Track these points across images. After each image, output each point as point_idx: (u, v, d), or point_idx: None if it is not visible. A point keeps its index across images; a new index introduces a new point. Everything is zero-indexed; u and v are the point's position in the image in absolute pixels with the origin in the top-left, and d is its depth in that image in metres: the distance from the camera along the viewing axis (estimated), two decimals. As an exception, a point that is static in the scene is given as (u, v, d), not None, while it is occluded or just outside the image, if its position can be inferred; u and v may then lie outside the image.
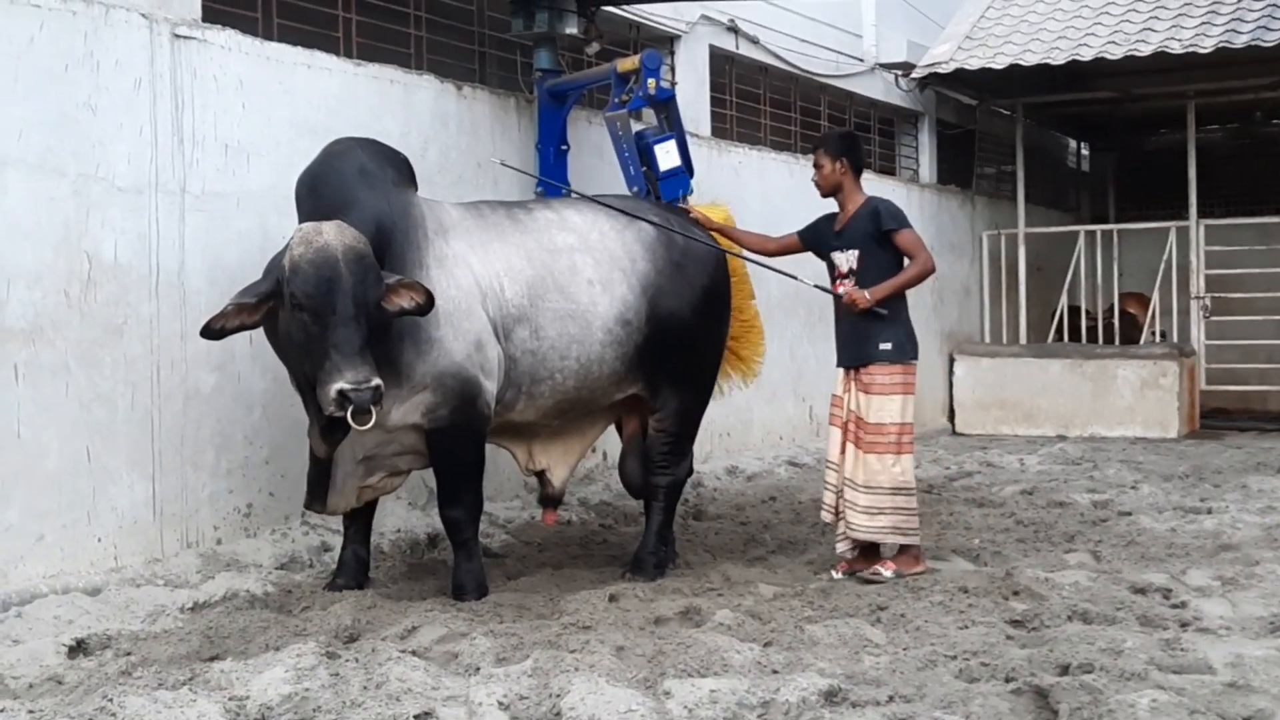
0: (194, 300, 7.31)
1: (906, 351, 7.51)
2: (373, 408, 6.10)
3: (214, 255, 7.48)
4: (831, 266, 7.69)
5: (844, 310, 7.54)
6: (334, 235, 6.19)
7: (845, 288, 7.53)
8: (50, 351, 6.69)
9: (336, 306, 6.10)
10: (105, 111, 6.96)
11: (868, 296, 7.37)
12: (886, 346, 7.43)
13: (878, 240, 7.47)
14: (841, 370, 7.62)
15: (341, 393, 6.04)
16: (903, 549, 7.50)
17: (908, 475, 7.50)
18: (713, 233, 8.02)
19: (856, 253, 7.52)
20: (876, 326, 7.44)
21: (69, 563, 6.76)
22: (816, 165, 7.70)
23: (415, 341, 6.62)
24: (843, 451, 7.55)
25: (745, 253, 8.14)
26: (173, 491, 7.29)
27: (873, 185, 15.00)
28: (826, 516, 7.72)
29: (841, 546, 7.62)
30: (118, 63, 7.04)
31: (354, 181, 6.61)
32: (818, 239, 7.82)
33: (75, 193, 6.80)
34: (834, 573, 7.55)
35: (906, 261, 7.48)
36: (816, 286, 7.85)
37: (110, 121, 6.98)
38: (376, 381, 6.10)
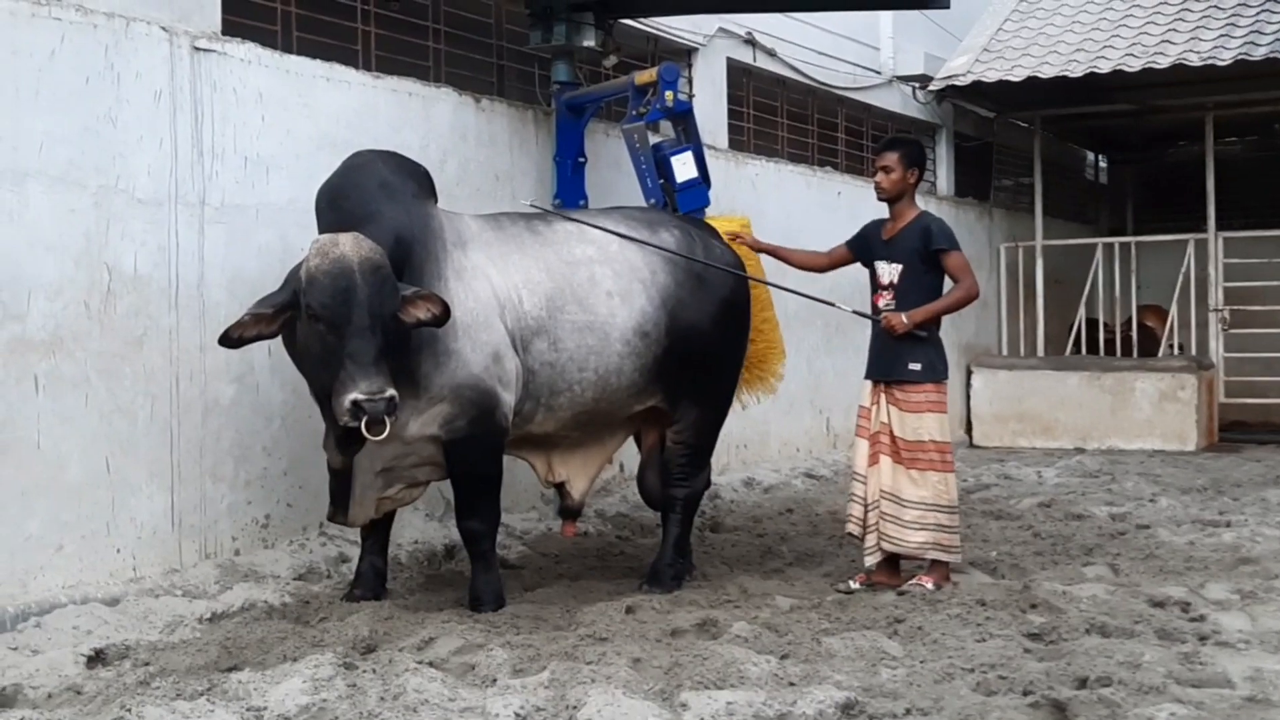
0: (213, 312, 7.32)
1: (937, 371, 7.48)
2: (387, 419, 6.11)
3: (234, 267, 7.50)
4: (873, 275, 7.66)
5: (877, 325, 7.53)
6: (350, 247, 6.21)
7: (884, 300, 7.52)
8: (70, 363, 6.71)
9: (352, 317, 6.11)
10: (126, 124, 6.98)
11: (905, 321, 7.36)
12: (916, 366, 7.41)
13: (923, 258, 7.44)
14: (869, 382, 7.61)
15: (356, 403, 6.05)
16: (936, 563, 7.49)
17: (952, 493, 7.48)
18: (754, 249, 7.99)
19: (900, 268, 7.49)
20: (908, 344, 7.41)
21: (88, 573, 6.77)
22: (884, 168, 7.61)
23: (433, 353, 6.63)
24: (871, 464, 7.53)
25: (782, 276, 8.13)
26: (191, 503, 7.31)
27: (890, 197, 15.13)
28: (853, 529, 7.68)
29: (871, 559, 7.60)
30: (138, 75, 7.06)
31: (374, 194, 6.63)
32: (865, 246, 7.77)
33: (96, 205, 6.82)
34: (852, 583, 7.54)
35: (948, 284, 7.46)
36: (855, 313, 7.82)
37: (131, 134, 7.01)
38: (391, 392, 6.11)
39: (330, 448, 6.76)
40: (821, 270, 8.11)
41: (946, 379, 7.54)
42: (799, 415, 13.14)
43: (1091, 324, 16.60)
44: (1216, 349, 15.95)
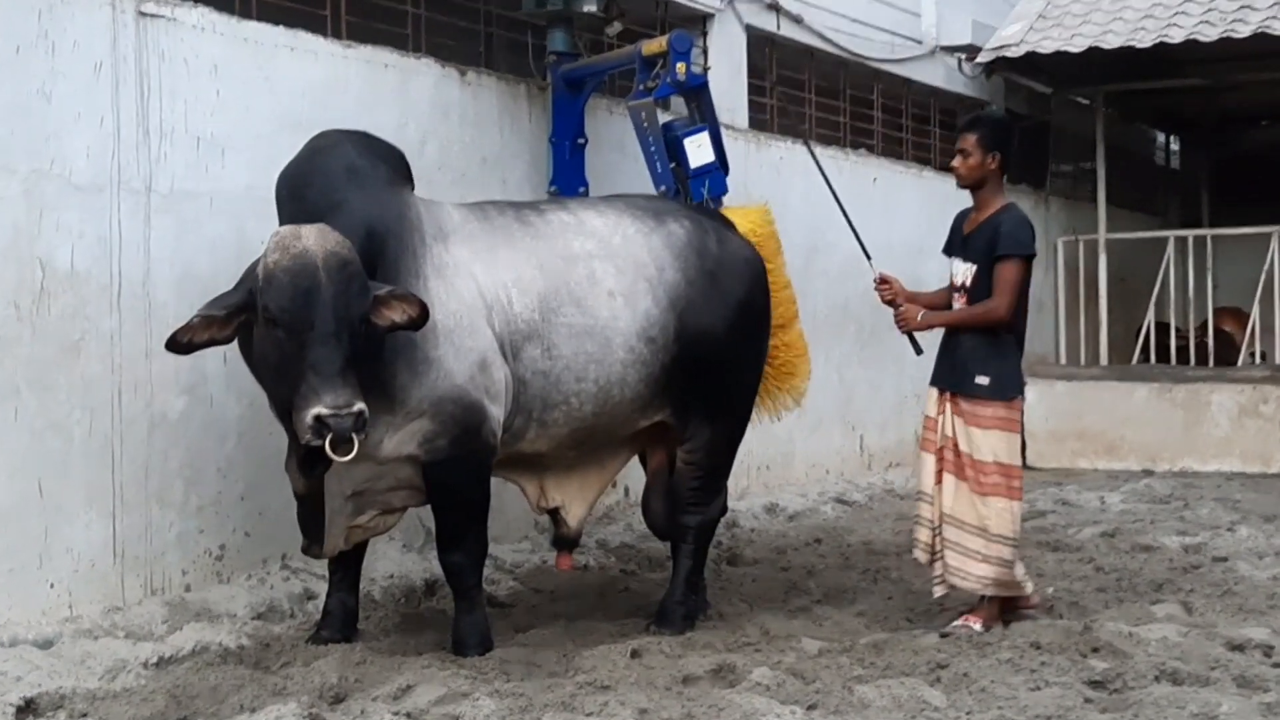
0: (160, 314, 7.31)
1: (1007, 389, 7.45)
2: (355, 437, 6.09)
3: (184, 263, 7.49)
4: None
5: (947, 330, 7.57)
6: (315, 241, 6.19)
7: (956, 305, 7.54)
8: (-3, 371, 6.71)
9: (315, 322, 6.09)
10: (61, 100, 6.98)
11: (919, 319, 7.36)
12: (983, 381, 7.40)
13: (992, 262, 7.43)
14: (934, 389, 7.62)
15: (319, 419, 6.03)
16: (988, 600, 7.51)
17: (1016, 524, 7.49)
18: (898, 300, 7.82)
19: (974, 269, 7.49)
20: (978, 356, 7.42)
21: (17, 612, 6.75)
22: (961, 151, 7.59)
23: (410, 362, 6.62)
24: (938, 481, 7.54)
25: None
26: (135, 531, 7.29)
27: (934, 184, 15.15)
28: (920, 556, 7.70)
29: (939, 590, 7.60)
30: (76, 45, 7.05)
31: (342, 180, 6.63)
32: (950, 242, 7.79)
33: (26, 192, 6.82)
34: (971, 624, 7.53)
35: (1034, 292, 7.46)
36: (878, 286, 7.77)
37: (67, 111, 7.00)
38: (360, 407, 6.09)
39: (293, 470, 6.74)
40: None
41: (1019, 397, 7.52)
42: (828, 433, 13.14)
43: (1161, 329, 16.57)
44: (1304, 357, 15.94)
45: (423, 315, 6.37)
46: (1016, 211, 7.60)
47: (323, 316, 6.09)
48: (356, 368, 6.19)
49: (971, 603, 7.61)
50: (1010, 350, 7.52)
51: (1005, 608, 7.54)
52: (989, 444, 7.41)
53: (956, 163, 7.62)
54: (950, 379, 7.53)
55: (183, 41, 7.54)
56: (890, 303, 7.66)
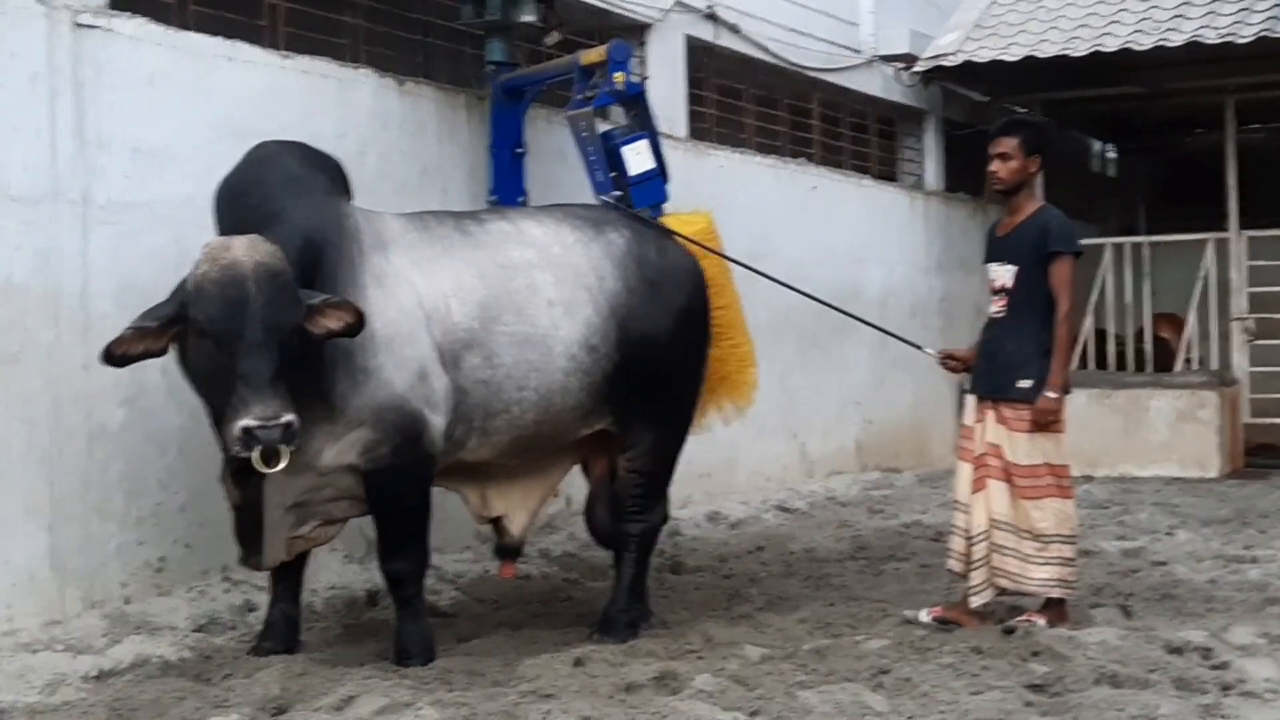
0: (99, 326, 7.26)
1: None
2: (283, 449, 6.07)
3: (123, 274, 7.46)
4: (987, 278, 7.71)
5: (985, 333, 7.62)
6: (244, 251, 6.17)
7: (996, 307, 7.55)
8: (-66, 384, 6.67)
9: (244, 332, 6.07)
10: (-3, 111, 6.95)
11: (1051, 396, 7.34)
12: (1027, 383, 7.40)
13: (1041, 261, 7.44)
14: (973, 397, 7.64)
15: (247, 430, 6.01)
16: (1054, 601, 7.54)
17: (1073, 521, 7.56)
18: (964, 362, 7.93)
19: (1015, 270, 7.49)
20: (1021, 358, 7.43)
21: (-45, 626, 6.72)
22: (1001, 155, 7.59)
23: (349, 371, 6.61)
24: (976, 489, 7.53)
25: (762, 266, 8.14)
26: (74, 543, 7.26)
27: (873, 192, 15.23)
28: (955, 566, 7.69)
29: (978, 599, 7.57)
30: (12, 55, 7.03)
31: (279, 190, 6.62)
32: (988, 251, 7.81)
33: (-38, 203, 6.79)
34: (921, 614, 7.59)
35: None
36: (943, 362, 7.89)
37: (3, 123, 6.98)
38: (288, 418, 6.07)
39: (228, 481, 6.72)
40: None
41: (1065, 393, 7.50)
42: (770, 440, 13.17)
43: (1099, 335, 16.67)
44: (1240, 363, 16.05)
45: (359, 321, 6.36)
46: (1058, 211, 7.65)
47: (251, 327, 6.07)
48: (288, 379, 6.17)
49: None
50: (1051, 346, 7.45)
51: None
52: (1037, 447, 7.43)
53: (995, 167, 7.60)
54: (991, 385, 7.53)
55: (120, 52, 7.52)
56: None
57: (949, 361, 7.92)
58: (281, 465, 6.12)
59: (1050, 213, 7.60)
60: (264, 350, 6.08)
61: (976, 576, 7.54)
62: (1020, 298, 7.48)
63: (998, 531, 7.47)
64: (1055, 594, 7.52)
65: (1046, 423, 7.38)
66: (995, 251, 7.65)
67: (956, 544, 7.65)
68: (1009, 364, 7.46)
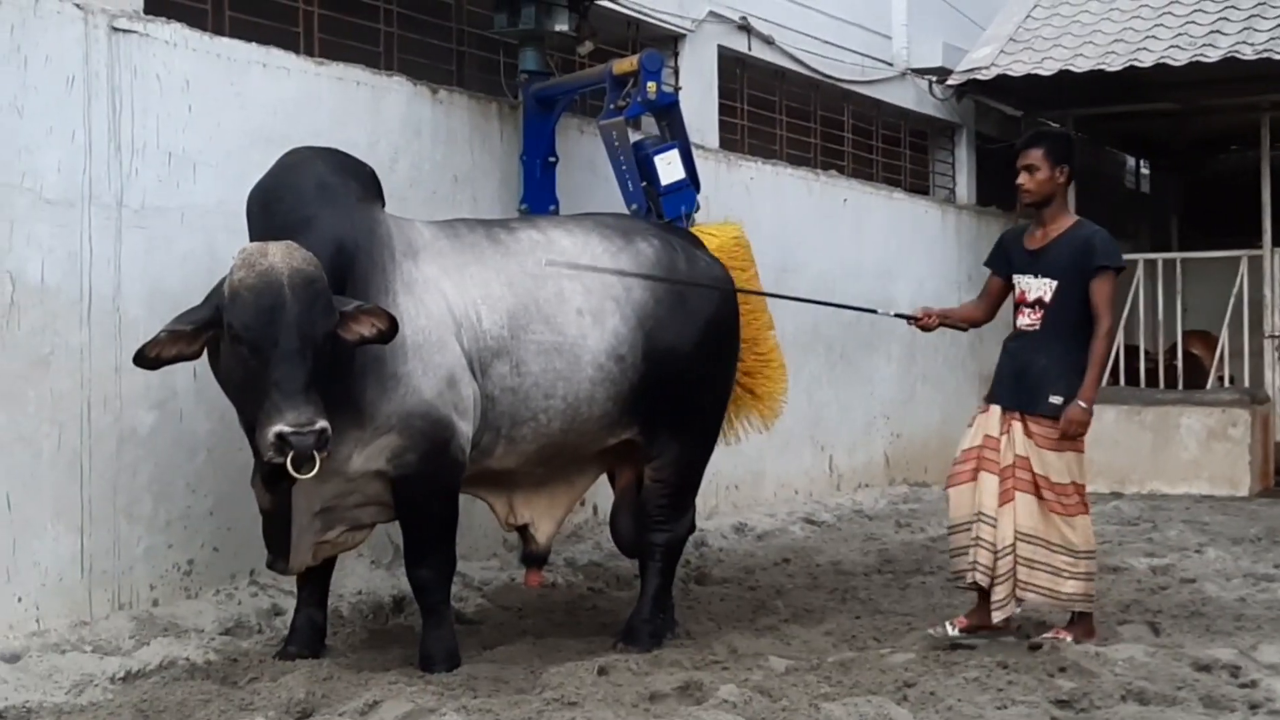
0: (130, 329, 7.30)
1: None
2: (317, 455, 6.09)
3: (154, 278, 7.49)
4: (1015, 290, 7.66)
5: (1014, 345, 7.59)
6: (280, 258, 6.19)
7: (1027, 319, 7.52)
8: (-34, 385, 6.71)
9: (279, 339, 6.09)
10: (33, 114, 6.99)
11: (1083, 406, 7.35)
12: (1056, 400, 7.38)
13: (1084, 276, 7.41)
14: (997, 408, 7.60)
15: (281, 436, 6.03)
16: (1080, 616, 7.55)
17: (1092, 538, 7.60)
18: (930, 321, 7.92)
19: (1055, 284, 7.45)
20: (1053, 374, 7.41)
21: (-16, 626, 6.75)
22: (1028, 166, 7.55)
23: (379, 378, 6.64)
24: (1004, 502, 7.49)
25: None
26: (104, 546, 7.28)
27: (904, 205, 15.21)
28: (980, 579, 7.55)
29: (1003, 613, 7.52)
30: (48, 59, 7.06)
31: (312, 197, 6.64)
32: (1004, 259, 7.78)
33: (-3, 206, 6.83)
34: (948, 628, 7.55)
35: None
36: (897, 315, 7.88)
37: (38, 125, 7.01)
38: (322, 425, 6.08)
39: (258, 486, 6.75)
40: (990, 315, 8.00)
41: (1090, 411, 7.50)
42: (798, 453, 13.16)
43: (1130, 352, 16.62)
44: (1273, 380, 15.98)
45: (391, 328, 6.39)
46: (1099, 226, 7.63)
47: (287, 334, 6.09)
48: (321, 385, 6.19)
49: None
50: (1082, 361, 7.43)
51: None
52: (1065, 465, 7.45)
53: (1023, 179, 7.55)
54: (1020, 399, 7.49)
55: (155, 57, 7.55)
56: (925, 328, 7.80)
57: (925, 321, 7.85)
58: (315, 471, 6.14)
59: (1092, 227, 7.57)
60: (299, 357, 6.10)
61: (1000, 591, 7.49)
62: (1057, 312, 7.45)
63: (1023, 544, 7.44)
64: (1080, 608, 7.52)
65: (1074, 434, 7.37)
66: (1026, 263, 7.59)
67: (983, 557, 7.52)
68: (1042, 379, 7.43)
